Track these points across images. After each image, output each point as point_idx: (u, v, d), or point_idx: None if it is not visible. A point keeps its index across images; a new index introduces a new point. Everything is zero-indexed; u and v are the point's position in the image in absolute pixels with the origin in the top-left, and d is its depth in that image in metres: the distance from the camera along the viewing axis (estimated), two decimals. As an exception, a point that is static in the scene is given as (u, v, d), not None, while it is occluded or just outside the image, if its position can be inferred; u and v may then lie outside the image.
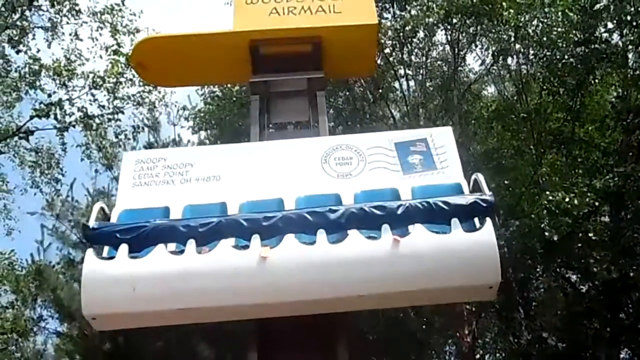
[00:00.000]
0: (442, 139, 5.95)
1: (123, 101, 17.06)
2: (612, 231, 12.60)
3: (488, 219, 4.91)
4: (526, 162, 14.25)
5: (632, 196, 12.60)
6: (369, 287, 4.84)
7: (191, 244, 4.88)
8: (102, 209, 5.46)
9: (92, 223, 5.15)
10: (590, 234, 11.53)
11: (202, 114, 16.11)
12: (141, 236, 4.92)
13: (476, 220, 5.04)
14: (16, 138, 17.24)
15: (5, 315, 17.18)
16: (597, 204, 11.17)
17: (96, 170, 16.11)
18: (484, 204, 5.01)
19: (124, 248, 4.88)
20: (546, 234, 10.92)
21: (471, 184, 5.48)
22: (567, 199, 10.79)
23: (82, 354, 13.42)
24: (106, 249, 5.13)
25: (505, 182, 13.42)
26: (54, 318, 15.32)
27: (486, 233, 4.83)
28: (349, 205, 5.15)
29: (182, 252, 4.89)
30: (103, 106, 17.05)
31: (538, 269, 13.41)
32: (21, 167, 17.59)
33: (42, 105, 16.64)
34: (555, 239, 11.00)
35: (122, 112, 17.06)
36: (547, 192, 11.34)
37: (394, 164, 5.79)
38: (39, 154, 17.53)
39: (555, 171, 14.04)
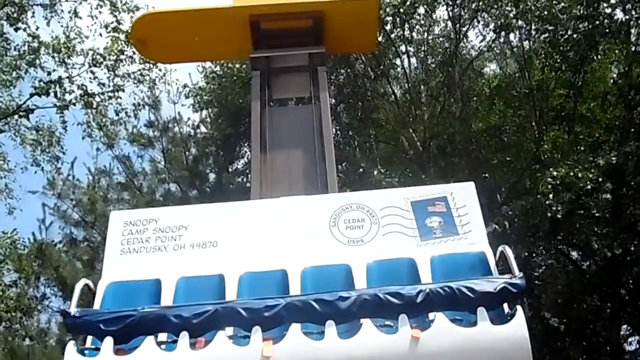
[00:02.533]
0: (464, 197, 5.36)
1: (123, 79, 16.98)
2: (613, 208, 12.61)
3: (519, 309, 4.33)
4: (528, 139, 14.20)
5: (633, 173, 12.60)
6: None
7: (184, 337, 4.33)
8: (86, 285, 4.94)
9: (73, 308, 4.57)
10: (592, 211, 11.52)
11: (202, 92, 16.04)
12: (128, 327, 4.37)
13: (505, 306, 4.53)
14: (16, 117, 17.18)
15: (8, 294, 17.27)
16: (600, 180, 11.14)
17: (97, 149, 16.15)
18: (514, 289, 4.41)
19: (108, 342, 4.33)
20: (552, 209, 10.88)
21: (497, 255, 4.96)
22: (570, 174, 10.76)
23: (85, 331, 13.39)
24: (90, 337, 4.61)
25: (507, 158, 13.39)
26: (57, 296, 15.39)
27: (517, 326, 4.25)
28: (361, 291, 4.54)
29: (174, 342, 4.38)
30: (103, 84, 16.98)
31: (540, 246, 13.43)
32: (22, 145, 17.55)
33: (41, 83, 16.57)
34: (559, 216, 10.98)
35: (123, 90, 17.00)
36: (551, 169, 11.31)
37: (411, 228, 5.24)
38: (40, 132, 17.48)
39: (557, 148, 14.00)
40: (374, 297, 4.38)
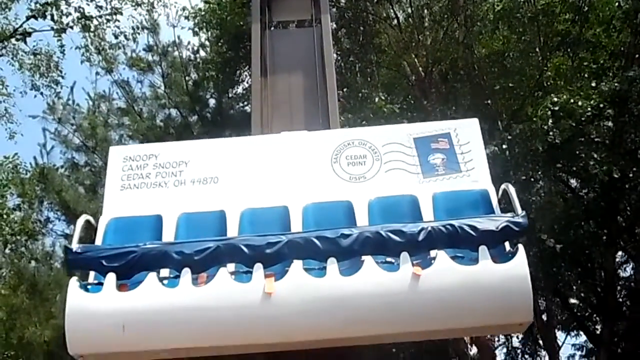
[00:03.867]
0: (467, 134, 5.25)
1: (121, 1, 16.65)
2: (614, 135, 12.60)
3: (520, 247, 4.31)
4: (531, 65, 14.02)
5: (636, 100, 12.52)
6: (386, 327, 4.35)
7: (186, 274, 4.31)
8: (87, 221, 4.89)
9: (75, 243, 4.54)
10: (592, 136, 11.51)
11: (202, 13, 15.72)
12: (130, 263, 4.36)
13: (506, 244, 4.51)
14: (13, 40, 16.95)
15: (13, 218, 17.51)
16: (601, 106, 11.08)
17: (97, 73, 15.99)
18: (516, 228, 4.39)
19: (111, 278, 4.32)
20: (550, 134, 10.88)
21: (500, 193, 4.91)
22: (571, 101, 10.69)
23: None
24: (92, 273, 4.61)
25: (510, 85, 13.27)
26: (61, 220, 15.58)
27: (518, 265, 4.22)
28: (363, 228, 4.53)
29: (176, 277, 4.37)
30: (100, 7, 16.65)
31: (539, 172, 13.49)
32: (20, 70, 17.39)
33: (38, 5, 16.26)
34: (558, 141, 10.98)
35: (121, 13, 16.70)
36: (552, 95, 11.23)
37: (413, 165, 5.16)
38: (38, 56, 17.29)
39: (560, 75, 13.84)
40: (375, 234, 4.37)
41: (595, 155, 11.29)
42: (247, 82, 15.53)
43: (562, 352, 16.88)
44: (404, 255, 4.29)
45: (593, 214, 13.92)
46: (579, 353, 17.46)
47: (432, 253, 4.35)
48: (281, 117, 6.65)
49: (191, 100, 15.47)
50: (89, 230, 4.94)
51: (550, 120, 10.90)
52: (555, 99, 10.93)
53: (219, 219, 4.94)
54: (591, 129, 11.77)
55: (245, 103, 15.69)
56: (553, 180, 13.72)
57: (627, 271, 16.12)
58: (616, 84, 11.26)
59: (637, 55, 12.84)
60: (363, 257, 4.36)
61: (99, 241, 4.88)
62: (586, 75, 13.14)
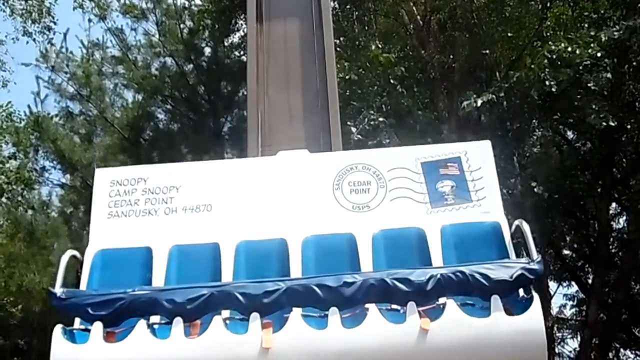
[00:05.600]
0: (479, 158, 4.93)
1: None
2: (613, 85, 12.52)
3: (535, 298, 4.03)
4: (531, 14, 13.81)
5: (637, 51, 12.41)
6: None
7: (178, 324, 4.04)
8: (73, 257, 4.64)
9: (58, 287, 4.25)
10: (590, 85, 11.44)
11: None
12: (118, 311, 4.09)
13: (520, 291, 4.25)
14: (4, -15, 16.62)
15: (8, 167, 17.48)
16: (600, 55, 10.97)
17: (89, 20, 15.75)
18: (531, 276, 4.11)
19: (98, 328, 4.06)
20: (547, 83, 10.80)
21: (513, 228, 4.64)
22: (569, 49, 10.58)
23: (85, 204, 13.74)
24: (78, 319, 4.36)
25: (509, 34, 13.10)
26: (57, 169, 15.60)
27: (533, 317, 3.97)
28: (367, 274, 4.22)
29: (167, 324, 4.12)
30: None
31: (535, 122, 13.46)
32: (12, 17, 17.10)
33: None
34: (555, 90, 10.91)
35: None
36: (550, 43, 11.11)
37: (420, 193, 4.84)
38: (29, 1, 16.97)
39: (560, 24, 13.66)
40: (380, 282, 4.07)
41: (593, 106, 11.24)
42: (243, 31, 15.31)
43: (554, 302, 17.14)
44: (411, 305, 4.01)
45: (588, 165, 13.96)
46: (570, 303, 17.75)
47: (441, 300, 4.10)
48: (276, 66, 6.59)
49: (186, 48, 15.29)
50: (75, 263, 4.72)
51: (548, 69, 10.79)
52: (553, 47, 10.80)
53: (212, 252, 4.69)
54: (589, 79, 11.67)
55: (241, 52, 15.51)
56: (549, 131, 13.69)
57: (620, 223, 16.27)
58: (616, 33, 11.11)
59: (638, 5, 12.64)
60: (367, 305, 4.11)
61: (85, 277, 4.66)
62: (586, 25, 12.96)
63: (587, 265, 16.22)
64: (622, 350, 16.97)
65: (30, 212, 15.41)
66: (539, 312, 3.97)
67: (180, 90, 15.49)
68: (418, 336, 3.92)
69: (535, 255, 4.24)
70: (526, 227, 4.46)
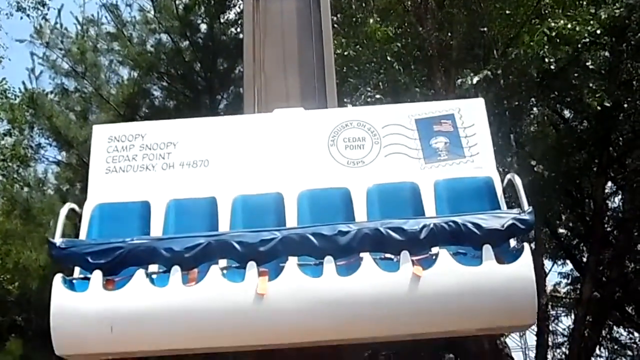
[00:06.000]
0: (472, 115, 4.99)
1: None
2: (611, 64, 12.49)
3: (526, 247, 4.13)
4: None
5: (634, 29, 12.35)
6: (384, 330, 4.21)
7: (176, 272, 4.11)
8: (71, 209, 4.68)
9: (58, 236, 4.32)
10: (588, 64, 11.40)
11: None
12: (117, 260, 4.17)
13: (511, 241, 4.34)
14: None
15: (4, 143, 17.42)
16: (599, 32, 10.92)
17: (85, -6, 15.59)
18: (523, 226, 4.19)
19: (97, 276, 4.13)
20: (545, 60, 10.75)
21: (505, 182, 4.71)
22: (569, 26, 10.53)
23: (82, 181, 13.70)
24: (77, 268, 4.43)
25: (507, 12, 13.00)
26: (52, 146, 15.55)
27: (523, 266, 4.05)
28: (361, 224, 4.30)
29: (165, 272, 4.20)
30: None
31: (533, 100, 13.44)
32: (4, -10, 16.91)
33: None
34: (553, 67, 10.88)
35: None
36: (549, 20, 11.05)
37: (414, 149, 4.90)
38: (22, -25, 16.79)
39: (559, 2, 13.55)
40: (374, 231, 4.15)
41: (591, 84, 11.22)
42: (239, 7, 15.18)
43: (549, 280, 17.27)
44: (404, 254, 4.10)
45: (585, 144, 13.97)
46: (564, 281, 17.89)
47: (434, 250, 4.19)
48: (273, 42, 6.52)
49: (182, 25, 15.14)
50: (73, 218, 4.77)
51: (546, 46, 10.74)
52: (552, 25, 10.75)
53: (209, 206, 4.74)
54: (587, 57, 11.64)
55: (238, 29, 15.38)
56: (546, 110, 13.68)
57: (616, 202, 16.34)
58: (616, 11, 11.05)
59: (638, -18, 12.56)
60: (361, 254, 4.19)
61: (84, 230, 4.71)
62: (585, 3, 12.87)
63: (582, 244, 16.33)
64: (615, 327, 17.14)
65: (26, 189, 15.38)
66: (529, 261, 4.06)
67: (176, 67, 15.39)
68: (411, 284, 4.01)
69: (526, 206, 4.30)
70: (518, 181, 4.52)
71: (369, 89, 11.75)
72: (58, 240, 4.28)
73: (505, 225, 4.14)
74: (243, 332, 4.10)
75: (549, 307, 16.43)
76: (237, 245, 4.14)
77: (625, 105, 12.34)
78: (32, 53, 14.81)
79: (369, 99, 11.56)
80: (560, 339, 17.90)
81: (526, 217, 4.20)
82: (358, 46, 12.27)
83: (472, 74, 11.30)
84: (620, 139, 14.30)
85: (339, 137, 5.00)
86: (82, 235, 4.68)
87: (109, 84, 15.49)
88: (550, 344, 16.25)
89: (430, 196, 4.70)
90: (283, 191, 4.77)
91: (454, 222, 4.15)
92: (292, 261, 4.15)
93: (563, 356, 16.85)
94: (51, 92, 15.15)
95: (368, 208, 4.69)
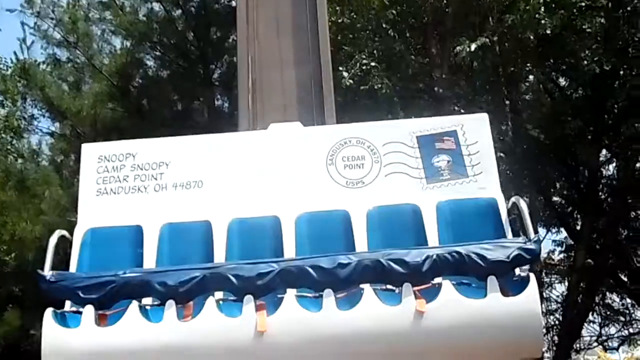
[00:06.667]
0: (476, 132, 4.85)
1: None
2: (607, 30, 12.38)
3: (532, 278, 3.99)
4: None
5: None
6: None
7: (170, 307, 3.99)
8: (62, 237, 4.55)
9: (47, 268, 4.19)
10: (585, 28, 11.30)
11: None
12: (109, 294, 4.03)
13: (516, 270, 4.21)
14: None
15: (-5, 114, 17.28)
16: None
17: (74, -36, 15.36)
18: (528, 256, 4.06)
19: (89, 312, 4.00)
20: (541, 23, 10.65)
21: (509, 204, 4.60)
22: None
23: (76, 152, 13.65)
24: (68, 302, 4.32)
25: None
26: (46, 117, 15.47)
27: (529, 298, 3.93)
28: (362, 255, 4.16)
29: (160, 305, 4.08)
30: None
31: (528, 66, 13.35)
32: (-6, -40, 16.60)
33: None
34: (549, 32, 10.79)
35: None
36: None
37: (416, 168, 4.77)
38: (12, -56, 16.48)
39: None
40: (376, 263, 4.01)
41: (587, 51, 11.16)
42: (232, -26, 14.98)
43: (543, 247, 17.36)
44: (407, 286, 3.98)
45: (580, 112, 13.93)
46: (558, 249, 17.97)
47: (437, 280, 4.08)
48: (267, 9, 6.46)
49: (174, -8, 15.00)
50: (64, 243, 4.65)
51: (542, 9, 10.62)
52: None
53: (204, 231, 4.62)
54: (584, 22, 11.54)
55: (231, -3, 15.22)
56: (542, 77, 13.61)
57: (610, 169, 16.34)
58: (613, -26, 10.95)
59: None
60: (362, 285, 4.08)
61: (74, 256, 4.61)
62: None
63: (576, 212, 16.37)
64: (608, 294, 17.29)
65: (20, 160, 15.34)
66: (535, 293, 3.95)
67: (169, 36, 15.26)
68: (414, 318, 3.90)
69: (532, 234, 4.19)
70: (523, 205, 4.42)
71: (363, 56, 11.64)
72: (47, 273, 4.14)
73: (511, 257, 4.01)
74: None
75: (543, 274, 16.57)
76: (233, 279, 4.01)
77: (621, 72, 12.26)
78: (23, 23, 14.71)
79: (363, 67, 11.47)
80: (554, 306, 18.08)
81: (532, 246, 4.06)
82: (353, 13, 12.14)
83: (468, 42, 11.21)
84: (616, 106, 14.23)
85: (338, 155, 4.87)
86: (73, 262, 4.59)
87: (101, 54, 15.38)
88: (543, 310, 16.42)
89: (433, 219, 4.59)
90: (280, 214, 4.64)
91: (457, 252, 4.03)
92: (291, 294, 4.05)
93: (556, 322, 17.02)
94: (43, 63, 15.05)
95: (368, 233, 4.58)
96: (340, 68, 11.15)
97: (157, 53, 15.52)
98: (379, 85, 11.28)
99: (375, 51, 12.05)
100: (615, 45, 12.08)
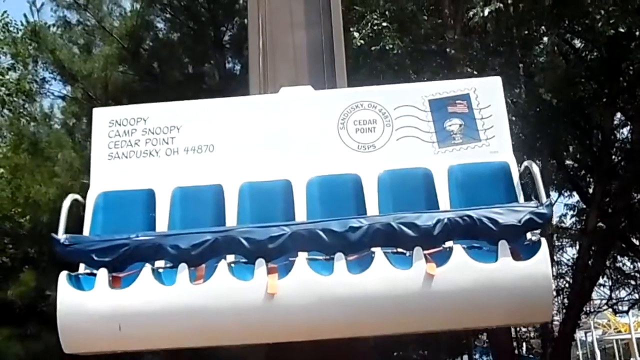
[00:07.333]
0: (489, 95, 4.80)
1: None
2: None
3: (543, 242, 3.98)
4: None
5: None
6: (396, 328, 4.18)
7: (183, 269, 4.04)
8: (75, 200, 4.58)
9: (61, 232, 4.25)
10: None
11: None
12: (122, 257, 4.09)
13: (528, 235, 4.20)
14: None
15: (8, 78, 17.33)
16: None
17: None
18: (540, 220, 4.04)
19: (103, 274, 4.06)
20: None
21: (521, 168, 4.59)
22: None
23: (87, 115, 13.68)
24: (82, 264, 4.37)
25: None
26: (57, 80, 15.47)
27: (540, 262, 3.93)
28: (373, 219, 4.15)
29: (172, 267, 4.13)
30: None
31: (543, 28, 13.14)
32: None
33: None
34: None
35: None
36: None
37: (427, 131, 4.73)
38: None
39: None
40: (387, 227, 4.01)
41: (602, 11, 10.94)
42: None
43: (554, 211, 17.34)
44: (417, 250, 3.98)
45: (594, 74, 13.76)
46: (570, 212, 17.96)
47: (448, 243, 4.08)
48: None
49: (184, -47, 14.81)
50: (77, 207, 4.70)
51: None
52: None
53: (216, 194, 4.65)
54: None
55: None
56: (556, 39, 13.41)
57: (624, 132, 16.20)
58: None
59: None
60: (373, 249, 4.09)
61: (88, 219, 4.66)
62: None
63: (588, 175, 16.30)
64: (619, 257, 17.32)
65: (32, 124, 15.40)
66: (546, 258, 3.94)
67: (179, -2, 15.15)
68: (424, 281, 3.90)
69: (544, 198, 4.18)
70: (535, 169, 4.40)
71: (375, 16, 11.49)
72: (62, 236, 4.20)
73: (522, 221, 4.01)
74: (252, 330, 4.05)
75: (554, 238, 16.58)
76: (245, 242, 4.04)
77: (637, 34, 12.05)
78: (33, -15, 14.56)
79: (375, 27, 11.33)
80: (564, 269, 18.15)
81: (544, 210, 4.05)
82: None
83: (482, 3, 11.04)
84: (631, 68, 14.03)
85: (349, 119, 4.83)
86: (87, 226, 4.65)
87: (111, 16, 15.28)
88: (554, 273, 16.47)
89: (444, 183, 4.58)
90: (292, 178, 4.65)
91: (469, 216, 4.01)
92: (302, 257, 4.06)
93: (566, 285, 17.10)
94: (53, 25, 14.98)
95: (379, 196, 4.58)
96: (352, 29, 11.04)
97: (168, 15, 15.41)
98: (391, 46, 11.16)
99: (387, 11, 11.89)
100: (632, 6, 11.86)
